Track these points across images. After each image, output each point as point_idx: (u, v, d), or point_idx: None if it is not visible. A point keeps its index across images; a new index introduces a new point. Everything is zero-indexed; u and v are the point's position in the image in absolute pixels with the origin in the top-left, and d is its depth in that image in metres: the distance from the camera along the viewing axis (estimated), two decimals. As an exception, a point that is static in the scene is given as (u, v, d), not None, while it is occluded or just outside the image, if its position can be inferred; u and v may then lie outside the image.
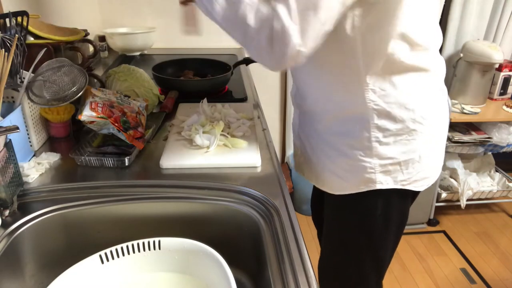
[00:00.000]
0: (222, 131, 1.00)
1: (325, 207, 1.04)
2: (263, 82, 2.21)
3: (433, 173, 0.93)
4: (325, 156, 0.93)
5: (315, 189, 1.22)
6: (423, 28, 0.79)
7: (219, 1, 0.71)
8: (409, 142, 0.85)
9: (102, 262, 0.68)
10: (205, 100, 1.15)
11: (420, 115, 0.84)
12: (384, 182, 0.87)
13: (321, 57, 0.80)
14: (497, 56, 1.94)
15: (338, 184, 0.92)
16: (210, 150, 0.95)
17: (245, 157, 0.93)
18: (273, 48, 0.68)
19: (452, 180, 2.23)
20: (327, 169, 0.93)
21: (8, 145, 0.75)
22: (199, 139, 0.96)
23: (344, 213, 0.97)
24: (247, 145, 0.98)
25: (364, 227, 0.94)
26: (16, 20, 1.00)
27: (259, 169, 0.91)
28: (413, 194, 0.94)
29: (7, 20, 0.99)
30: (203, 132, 0.99)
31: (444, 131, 0.94)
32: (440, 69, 0.87)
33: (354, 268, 1.02)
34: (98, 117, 0.90)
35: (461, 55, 2.13)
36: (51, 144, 1.02)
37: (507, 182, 2.26)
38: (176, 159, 0.92)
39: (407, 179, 0.88)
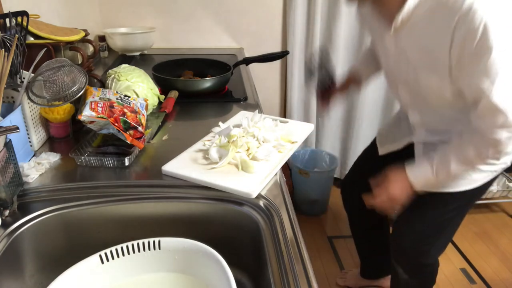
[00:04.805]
0: (247, 150, 0.93)
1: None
2: (263, 82, 2.21)
3: None
4: None
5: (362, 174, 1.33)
6: None
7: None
8: None
9: (102, 262, 0.68)
10: (256, 112, 1.09)
11: None
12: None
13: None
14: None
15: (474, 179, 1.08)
16: (216, 167, 0.88)
17: (244, 184, 0.83)
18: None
19: (452, 180, 2.23)
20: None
21: (8, 145, 0.75)
22: (213, 152, 0.91)
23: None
24: (258, 171, 0.88)
25: (470, 199, 1.13)
26: (16, 20, 1.00)
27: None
28: None
29: (7, 20, 0.99)
30: (221, 147, 0.92)
31: None
32: None
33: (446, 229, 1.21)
34: (98, 117, 0.91)
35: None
36: (51, 144, 1.02)
37: (507, 182, 2.26)
38: (178, 167, 0.88)
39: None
